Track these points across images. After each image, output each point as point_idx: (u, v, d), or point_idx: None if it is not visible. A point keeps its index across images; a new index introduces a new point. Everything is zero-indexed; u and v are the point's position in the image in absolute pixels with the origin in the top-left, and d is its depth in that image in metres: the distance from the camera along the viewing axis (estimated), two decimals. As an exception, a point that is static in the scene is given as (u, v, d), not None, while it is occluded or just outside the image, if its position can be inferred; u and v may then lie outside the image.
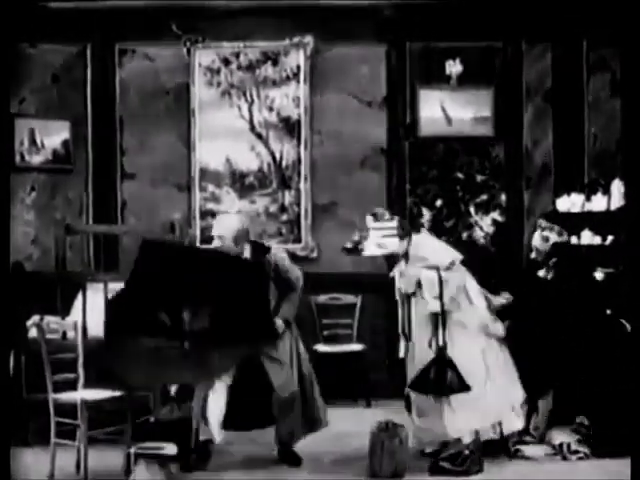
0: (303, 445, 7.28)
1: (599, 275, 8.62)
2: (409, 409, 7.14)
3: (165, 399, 7.57)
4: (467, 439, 6.82)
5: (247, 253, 7.05)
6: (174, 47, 9.54)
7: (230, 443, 7.33)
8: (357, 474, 6.88)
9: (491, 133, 9.67)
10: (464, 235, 9.72)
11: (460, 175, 9.98)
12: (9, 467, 5.81)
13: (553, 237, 7.40)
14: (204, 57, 9.60)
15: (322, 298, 9.30)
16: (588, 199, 9.10)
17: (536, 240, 7.55)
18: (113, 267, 9.30)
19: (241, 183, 9.62)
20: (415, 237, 7.09)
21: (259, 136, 9.60)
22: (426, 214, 10.33)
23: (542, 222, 7.75)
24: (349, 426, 7.80)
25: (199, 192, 9.61)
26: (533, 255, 7.53)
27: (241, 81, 9.61)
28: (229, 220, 7.20)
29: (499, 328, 7.01)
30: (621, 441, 6.89)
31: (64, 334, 7.38)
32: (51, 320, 7.24)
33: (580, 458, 7.08)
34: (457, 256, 6.98)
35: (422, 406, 6.97)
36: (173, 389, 7.70)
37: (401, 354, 7.12)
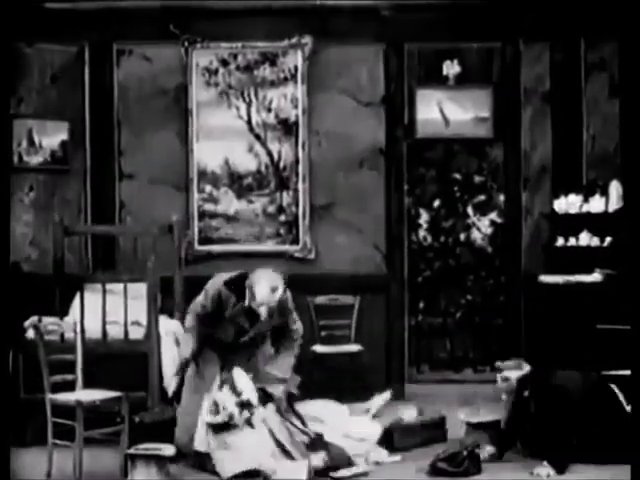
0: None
1: (597, 276, 8.65)
2: None
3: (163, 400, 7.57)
4: None
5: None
6: (172, 47, 9.52)
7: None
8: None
9: (489, 134, 9.67)
10: (462, 236, 9.73)
11: (458, 176, 10.00)
12: (8, 467, 5.81)
13: (513, 375, 7.26)
14: (202, 57, 9.58)
15: (320, 299, 9.28)
16: (586, 200, 9.11)
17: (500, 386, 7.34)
18: (111, 268, 9.29)
19: (239, 184, 9.61)
20: None
21: (257, 137, 9.59)
22: (424, 215, 10.35)
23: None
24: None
25: (197, 193, 9.59)
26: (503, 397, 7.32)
27: (239, 82, 9.59)
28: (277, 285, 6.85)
29: None
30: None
31: (62, 335, 7.37)
32: (49, 321, 7.22)
33: None
34: None
35: None
36: (171, 390, 7.70)
37: None
